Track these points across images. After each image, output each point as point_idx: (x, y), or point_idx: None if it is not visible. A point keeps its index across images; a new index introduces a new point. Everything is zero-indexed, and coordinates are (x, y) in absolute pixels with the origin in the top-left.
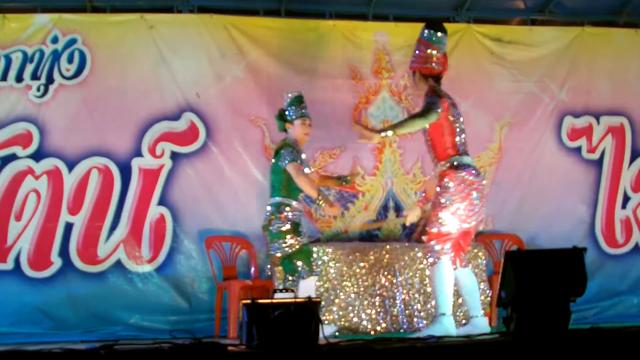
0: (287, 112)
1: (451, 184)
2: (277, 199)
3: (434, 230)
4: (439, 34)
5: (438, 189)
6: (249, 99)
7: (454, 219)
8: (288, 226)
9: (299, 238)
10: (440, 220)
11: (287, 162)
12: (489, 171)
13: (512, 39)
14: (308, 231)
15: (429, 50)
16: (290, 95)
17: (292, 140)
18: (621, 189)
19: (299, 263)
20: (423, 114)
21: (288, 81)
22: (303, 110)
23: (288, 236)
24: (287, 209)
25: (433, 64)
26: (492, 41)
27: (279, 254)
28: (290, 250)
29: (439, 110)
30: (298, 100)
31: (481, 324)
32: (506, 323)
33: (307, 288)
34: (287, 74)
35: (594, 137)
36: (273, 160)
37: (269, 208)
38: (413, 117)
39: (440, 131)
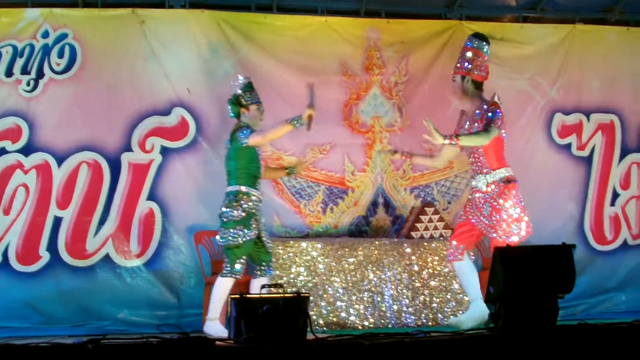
0: (242, 97)
1: (515, 195)
2: (236, 187)
3: (516, 239)
4: (485, 43)
5: (500, 200)
6: None
7: (522, 226)
8: (240, 217)
9: (246, 231)
10: (516, 231)
11: (246, 138)
12: None
13: (503, 36)
14: (297, 227)
15: (480, 58)
16: (241, 81)
17: (246, 123)
18: (610, 186)
19: (227, 259)
20: (489, 131)
21: (279, 77)
22: (257, 96)
23: (238, 227)
24: (245, 197)
25: (483, 72)
26: None
27: (221, 243)
28: (233, 243)
29: (500, 125)
30: (251, 86)
31: (480, 306)
32: (494, 319)
33: (219, 288)
34: (279, 70)
35: (584, 134)
36: (228, 146)
37: (225, 196)
38: (479, 133)
39: (494, 143)
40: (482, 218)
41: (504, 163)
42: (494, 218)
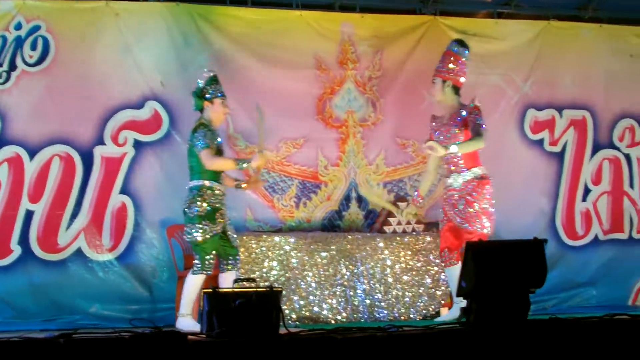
0: (206, 91)
1: (490, 191)
2: (199, 182)
3: (486, 232)
4: (466, 50)
5: (474, 194)
6: None
7: (490, 222)
8: (205, 212)
9: (212, 225)
10: (487, 224)
11: (200, 148)
12: None
13: (478, 31)
14: (270, 221)
15: (461, 64)
16: (205, 74)
17: (207, 121)
18: (582, 182)
19: (197, 256)
20: (481, 135)
21: (253, 71)
22: (222, 90)
23: (203, 222)
24: (209, 192)
25: (462, 78)
26: (458, 33)
27: (189, 240)
28: (199, 239)
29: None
30: (216, 80)
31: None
32: (466, 313)
33: (191, 285)
34: (253, 63)
35: (556, 130)
36: (189, 142)
37: (189, 191)
38: (474, 139)
39: None
40: (456, 212)
41: (479, 162)
42: (466, 211)
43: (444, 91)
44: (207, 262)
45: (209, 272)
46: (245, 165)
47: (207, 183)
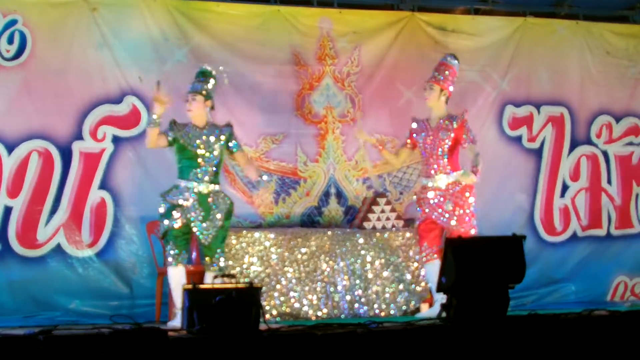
0: None
1: (474, 192)
2: (175, 179)
3: (474, 232)
4: (459, 63)
5: (466, 195)
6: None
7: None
8: (165, 209)
9: (169, 221)
10: (475, 224)
11: None
12: None
13: (455, 27)
14: (249, 216)
15: (453, 77)
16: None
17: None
18: (560, 178)
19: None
20: (476, 143)
21: (231, 66)
22: (194, 84)
23: (163, 219)
24: (174, 190)
25: (451, 88)
26: (435, 29)
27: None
28: (160, 234)
29: None
30: (198, 74)
31: None
32: (446, 309)
33: (169, 279)
34: (231, 59)
35: (534, 126)
36: None
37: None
38: (477, 153)
39: (456, 148)
40: (444, 213)
41: (459, 165)
42: (456, 213)
43: (440, 99)
44: (169, 257)
45: (174, 264)
46: (152, 120)
47: (177, 182)
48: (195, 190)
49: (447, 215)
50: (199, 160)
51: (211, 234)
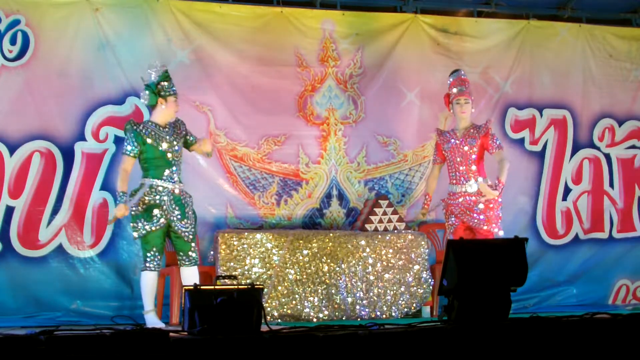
0: (161, 87)
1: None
2: (141, 179)
3: (501, 233)
4: None
5: (499, 199)
6: (195, 85)
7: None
8: (142, 209)
9: (148, 224)
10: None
11: (123, 151)
12: None
13: (458, 30)
14: (250, 218)
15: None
16: (157, 68)
17: (148, 121)
18: (562, 181)
19: (142, 253)
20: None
21: (234, 67)
22: (174, 87)
23: (138, 221)
24: (147, 190)
25: None
26: (438, 32)
27: (135, 236)
28: (135, 235)
29: None
30: (169, 75)
31: None
32: (448, 311)
33: (141, 282)
34: (234, 60)
35: (536, 129)
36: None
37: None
38: (504, 161)
39: (483, 155)
40: (474, 214)
41: (485, 172)
42: (489, 213)
43: (470, 111)
44: (148, 259)
45: (152, 269)
46: (116, 205)
47: (146, 181)
48: (170, 189)
49: (481, 216)
50: (169, 157)
51: (191, 232)
